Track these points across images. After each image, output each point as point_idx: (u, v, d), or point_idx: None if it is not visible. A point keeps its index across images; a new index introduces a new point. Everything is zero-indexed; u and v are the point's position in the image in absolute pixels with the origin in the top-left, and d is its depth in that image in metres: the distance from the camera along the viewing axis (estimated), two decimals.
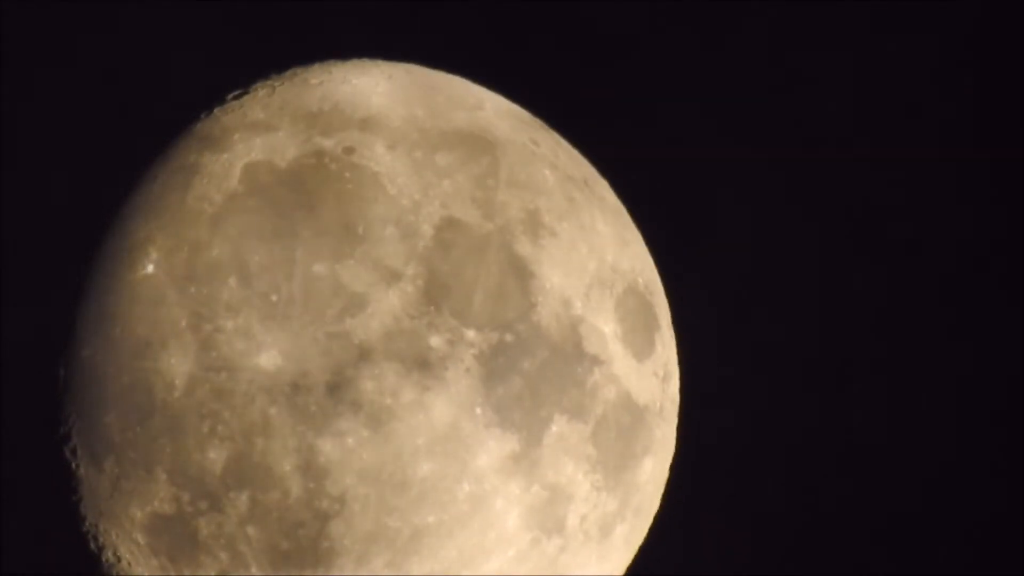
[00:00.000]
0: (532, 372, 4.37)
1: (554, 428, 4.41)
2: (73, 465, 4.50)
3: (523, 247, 4.45)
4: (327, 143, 4.44)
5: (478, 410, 4.29)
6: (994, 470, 6.69)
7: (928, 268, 6.77)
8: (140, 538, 4.43)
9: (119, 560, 4.54)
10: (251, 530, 4.26)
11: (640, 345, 4.73)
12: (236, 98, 4.73)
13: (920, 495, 6.75)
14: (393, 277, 4.25)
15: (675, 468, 5.11)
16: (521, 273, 4.42)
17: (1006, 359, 6.71)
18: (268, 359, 4.20)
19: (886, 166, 6.70)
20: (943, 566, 6.66)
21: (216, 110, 4.69)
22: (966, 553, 6.68)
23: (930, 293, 6.77)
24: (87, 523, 4.55)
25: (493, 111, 4.80)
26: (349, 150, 4.44)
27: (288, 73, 4.83)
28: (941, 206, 6.76)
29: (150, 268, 4.36)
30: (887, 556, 6.70)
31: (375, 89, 4.68)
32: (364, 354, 4.20)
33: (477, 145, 4.58)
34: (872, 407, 6.76)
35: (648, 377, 4.76)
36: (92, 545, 4.57)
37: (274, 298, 4.22)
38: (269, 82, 4.78)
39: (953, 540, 6.72)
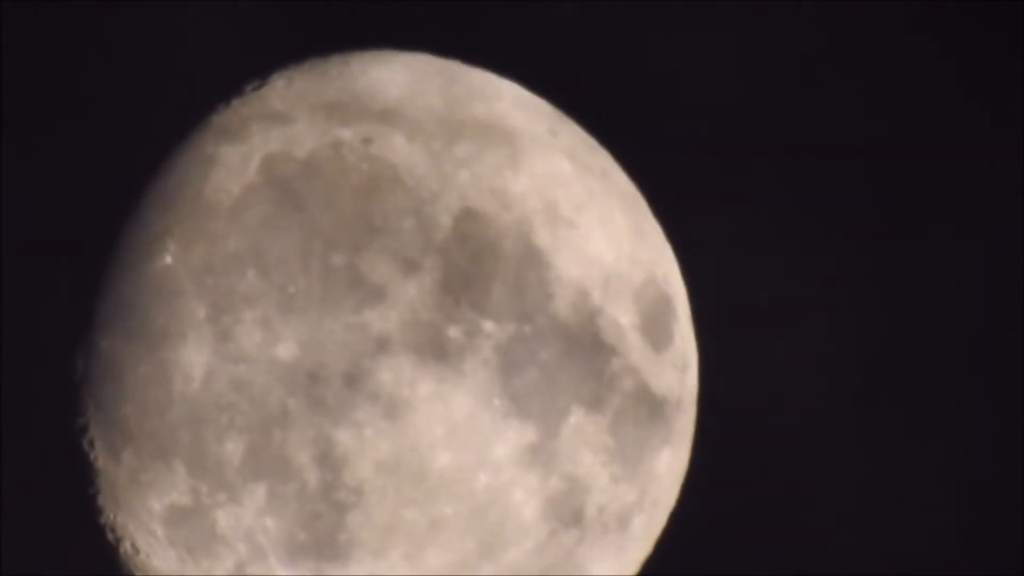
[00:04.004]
0: (550, 363, 4.36)
1: (572, 419, 4.41)
2: (91, 457, 4.51)
3: (541, 238, 4.45)
4: (345, 134, 4.44)
5: (496, 401, 4.28)
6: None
7: (951, 266, 6.75)
8: (158, 530, 4.44)
9: (137, 552, 4.55)
10: (269, 522, 4.27)
11: (658, 336, 4.73)
12: (254, 89, 4.73)
13: (939, 491, 6.74)
14: (411, 268, 4.25)
15: (693, 459, 5.11)
16: (539, 264, 4.42)
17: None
18: (286, 350, 4.20)
19: (915, 159, 6.68)
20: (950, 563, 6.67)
21: (234, 101, 4.70)
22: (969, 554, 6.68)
23: (953, 291, 6.76)
24: (105, 515, 4.56)
25: (511, 101, 4.80)
26: (367, 141, 4.43)
27: (306, 64, 4.83)
28: (968, 204, 6.74)
29: (168, 260, 4.37)
30: (906, 546, 6.70)
31: (393, 80, 4.68)
32: (382, 345, 4.20)
33: (495, 136, 4.57)
34: (891, 401, 6.75)
35: (666, 368, 4.75)
36: (110, 537, 4.59)
37: (292, 289, 4.22)
38: (287, 73, 4.78)
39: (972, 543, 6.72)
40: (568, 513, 4.49)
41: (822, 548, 6.74)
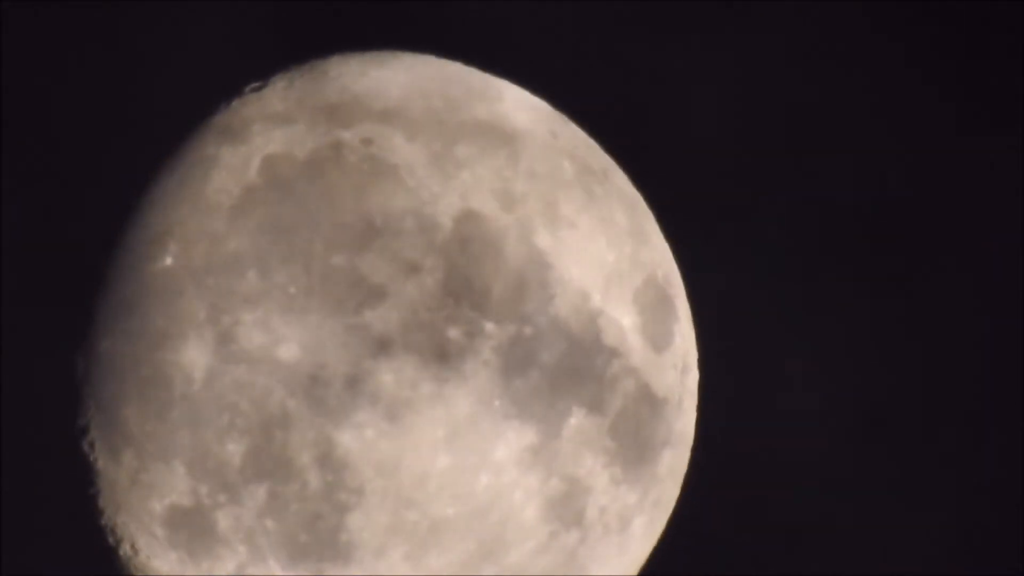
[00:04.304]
0: (550, 364, 4.36)
1: (572, 420, 4.41)
2: (91, 458, 4.51)
3: (542, 239, 4.44)
4: (346, 135, 4.44)
5: (496, 402, 4.28)
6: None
7: (953, 268, 6.76)
8: (158, 531, 4.43)
9: (137, 553, 4.54)
10: (269, 523, 4.27)
11: (659, 337, 4.73)
12: (255, 90, 4.73)
13: (941, 491, 6.74)
14: (412, 269, 4.25)
15: (694, 460, 5.11)
16: (539, 265, 4.41)
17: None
18: (287, 351, 4.20)
19: (920, 160, 6.69)
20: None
21: (235, 102, 4.69)
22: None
23: (953, 293, 6.77)
24: (105, 516, 4.56)
25: (512, 103, 4.80)
26: (368, 142, 4.43)
27: (307, 65, 4.82)
28: (971, 207, 6.75)
29: (169, 260, 4.37)
30: (906, 546, 6.70)
31: (394, 81, 4.67)
32: (383, 346, 4.19)
33: (496, 137, 4.57)
34: (892, 400, 6.75)
35: (667, 369, 4.75)
36: (110, 538, 4.58)
37: (292, 290, 4.22)
38: (288, 74, 4.78)
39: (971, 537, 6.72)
40: (569, 514, 4.49)
41: (823, 548, 6.74)
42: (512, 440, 4.31)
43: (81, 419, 4.52)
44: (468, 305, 4.27)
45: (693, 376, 5.04)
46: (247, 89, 4.75)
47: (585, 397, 4.43)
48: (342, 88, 4.63)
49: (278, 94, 4.66)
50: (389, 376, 4.19)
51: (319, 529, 4.26)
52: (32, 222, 5.13)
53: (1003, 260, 6.71)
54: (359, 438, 4.19)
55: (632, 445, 4.60)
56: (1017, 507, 6.60)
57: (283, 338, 4.20)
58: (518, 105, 4.81)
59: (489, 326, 4.28)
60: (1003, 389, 6.71)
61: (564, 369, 4.38)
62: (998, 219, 6.73)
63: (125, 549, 4.56)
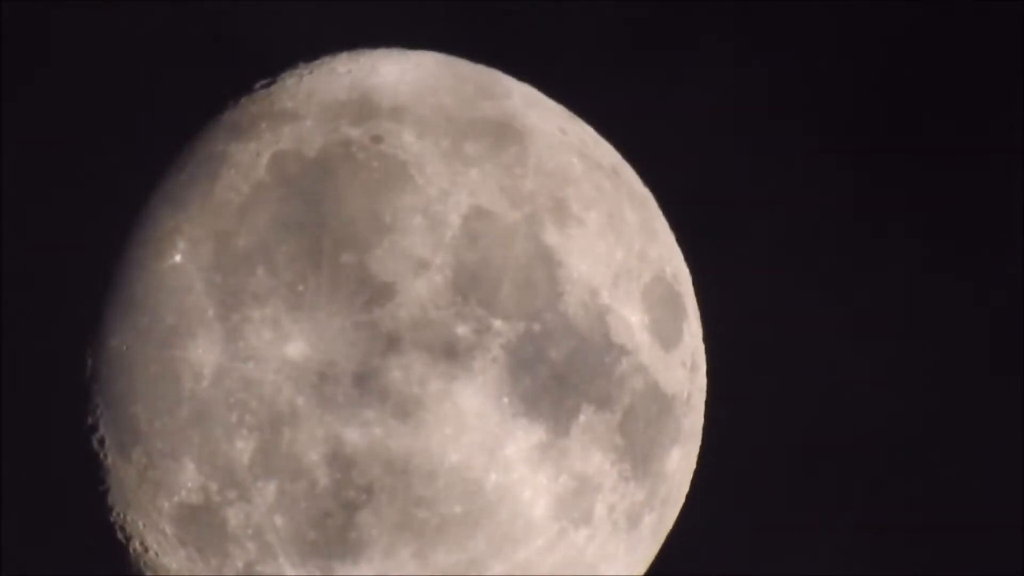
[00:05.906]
0: (559, 362, 4.36)
1: (581, 418, 4.41)
2: (101, 455, 4.51)
3: (550, 236, 4.44)
4: (355, 132, 4.44)
5: (505, 400, 4.28)
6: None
7: (961, 263, 6.75)
8: (168, 528, 4.43)
9: (146, 550, 4.54)
10: (279, 520, 4.27)
11: (668, 335, 4.72)
12: (264, 87, 4.73)
13: (942, 490, 6.74)
14: (421, 267, 4.25)
15: (702, 457, 5.11)
16: (548, 262, 4.41)
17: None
18: (295, 349, 4.20)
19: (927, 157, 6.69)
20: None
21: (244, 99, 4.70)
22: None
23: (962, 287, 6.76)
24: (114, 513, 4.56)
25: (521, 100, 4.79)
26: (377, 139, 4.43)
27: (316, 62, 4.83)
28: (975, 210, 6.74)
29: (178, 258, 4.37)
30: (909, 545, 6.70)
31: (403, 78, 4.67)
32: (391, 344, 4.19)
33: (505, 134, 4.57)
34: (897, 399, 6.75)
35: (676, 367, 4.75)
36: (119, 535, 4.59)
37: (301, 288, 4.22)
38: (297, 71, 4.78)
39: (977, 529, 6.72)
40: (578, 512, 4.49)
41: (828, 548, 6.74)
42: (521, 438, 4.31)
43: (90, 416, 4.52)
44: (477, 302, 4.27)
45: (702, 374, 5.04)
46: (256, 86, 4.75)
47: (594, 394, 4.43)
48: (351, 85, 4.63)
49: (287, 91, 4.66)
50: (398, 373, 4.19)
51: (328, 527, 4.26)
52: (41, 219, 5.13)
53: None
54: (368, 436, 4.19)
55: (641, 443, 4.59)
56: (1017, 507, 6.61)
57: (292, 335, 4.20)
58: (527, 102, 4.81)
59: (498, 323, 4.28)
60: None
61: (573, 366, 4.38)
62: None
63: (134, 546, 4.57)
